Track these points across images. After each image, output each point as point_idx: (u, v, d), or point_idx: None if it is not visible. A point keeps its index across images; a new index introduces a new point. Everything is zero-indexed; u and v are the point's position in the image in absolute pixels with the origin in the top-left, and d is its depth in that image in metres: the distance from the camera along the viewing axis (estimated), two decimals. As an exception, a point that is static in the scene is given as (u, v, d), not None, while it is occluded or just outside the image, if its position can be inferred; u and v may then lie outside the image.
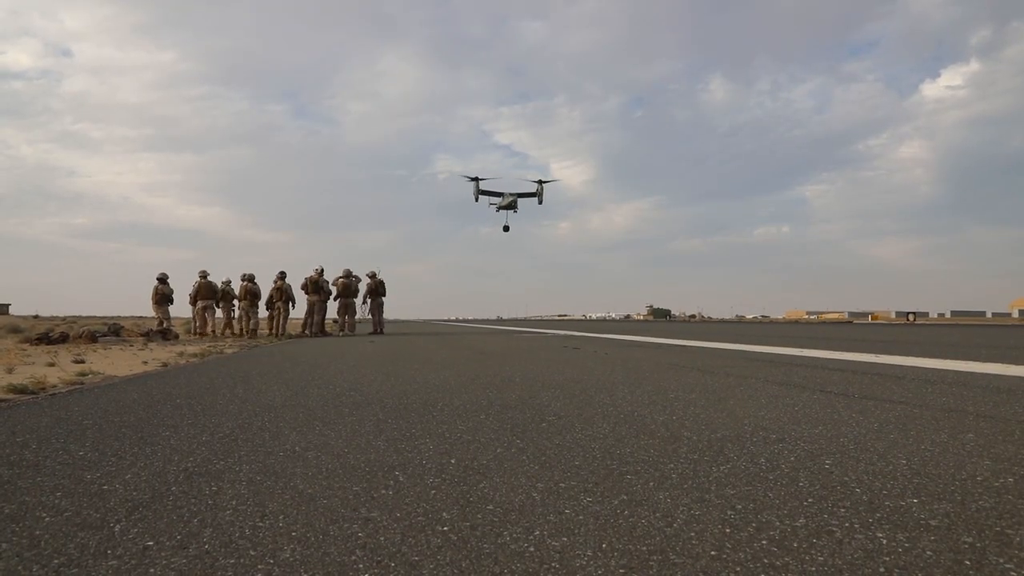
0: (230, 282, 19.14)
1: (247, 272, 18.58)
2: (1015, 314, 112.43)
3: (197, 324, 18.31)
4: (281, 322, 18.32)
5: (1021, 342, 11.96)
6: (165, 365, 7.65)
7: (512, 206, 40.65)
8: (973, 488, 1.99)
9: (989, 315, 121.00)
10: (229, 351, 10.81)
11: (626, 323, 52.77)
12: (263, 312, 18.84)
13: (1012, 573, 1.37)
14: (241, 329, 17.51)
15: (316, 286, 19.02)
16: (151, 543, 1.60)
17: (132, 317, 37.65)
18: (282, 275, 18.69)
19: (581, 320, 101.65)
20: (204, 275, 18.54)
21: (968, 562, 1.43)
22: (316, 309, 19.16)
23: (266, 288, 18.83)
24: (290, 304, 18.56)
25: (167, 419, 3.46)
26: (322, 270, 19.40)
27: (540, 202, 40.12)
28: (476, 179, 40.45)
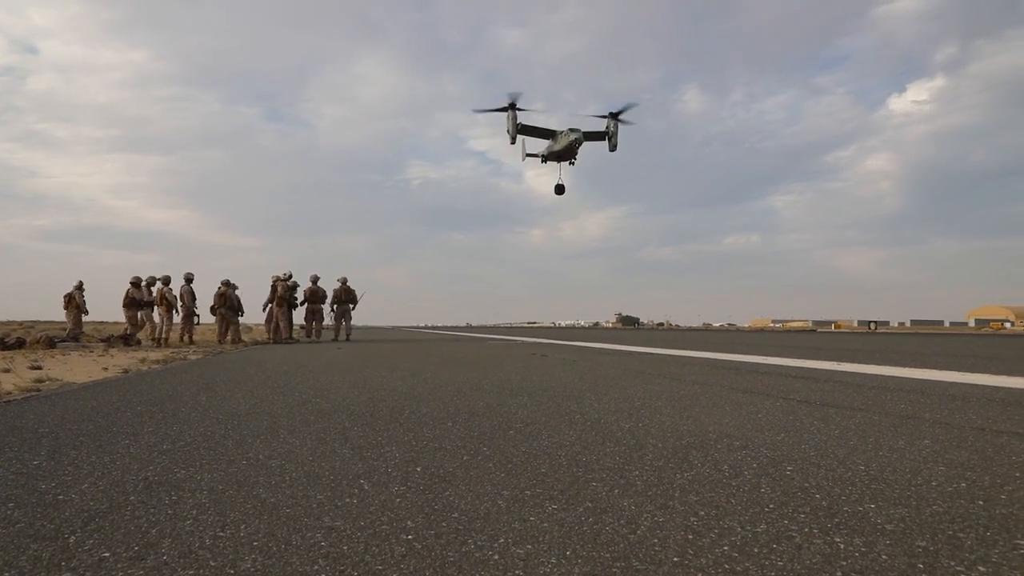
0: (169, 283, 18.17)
1: (189, 273, 17.83)
2: (971, 323, 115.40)
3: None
4: (220, 329, 17.84)
5: (976, 350, 12.27)
6: (126, 372, 7.50)
7: (570, 152, 27.83)
8: (928, 493, 2.04)
9: (947, 324, 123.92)
10: (193, 357, 10.64)
11: (595, 331, 53.06)
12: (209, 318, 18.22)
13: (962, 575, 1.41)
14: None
15: (289, 292, 18.77)
16: (107, 555, 1.57)
17: (93, 322, 36.65)
18: (226, 282, 18.23)
19: (550, 328, 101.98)
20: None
21: (921, 565, 1.46)
22: (282, 315, 18.93)
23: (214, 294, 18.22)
24: (234, 312, 17.93)
25: (126, 427, 3.39)
26: (290, 275, 19.15)
27: (613, 147, 27.62)
28: (513, 106, 26.82)
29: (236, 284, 18.59)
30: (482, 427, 3.33)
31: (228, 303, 17.80)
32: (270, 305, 18.66)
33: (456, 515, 1.85)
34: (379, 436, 3.09)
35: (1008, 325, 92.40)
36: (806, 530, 1.70)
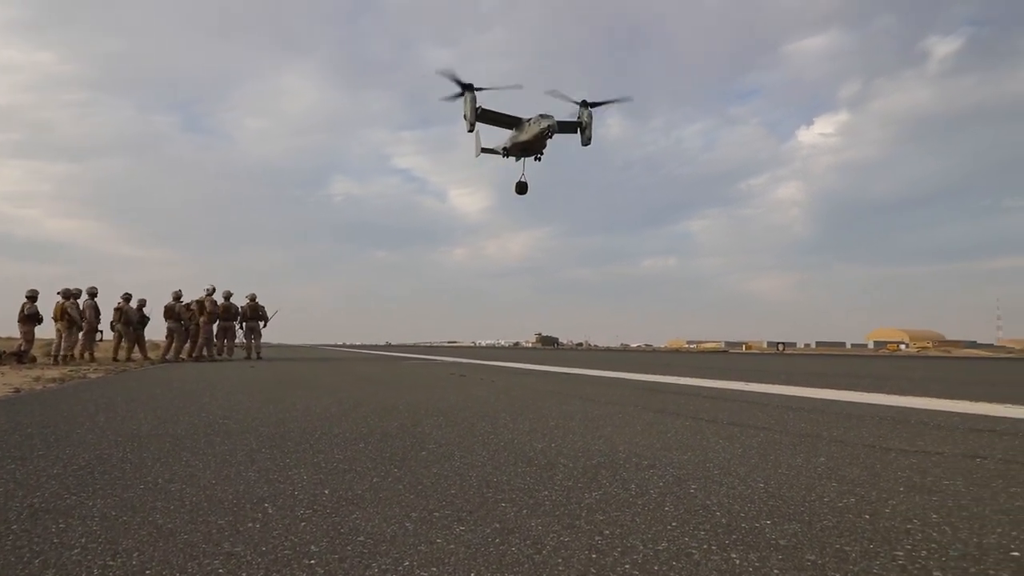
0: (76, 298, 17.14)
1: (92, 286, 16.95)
2: (871, 345, 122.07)
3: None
4: (116, 345, 17.04)
5: (873, 371, 12.96)
6: (18, 391, 7.06)
7: (539, 143, 23.85)
8: (820, 509, 2.14)
9: (848, 346, 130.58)
10: (94, 376, 10.10)
11: (514, 351, 53.30)
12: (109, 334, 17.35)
13: (846, 588, 1.48)
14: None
15: (201, 308, 18.07)
16: (-18, 588, 1.47)
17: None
18: (126, 297, 17.45)
19: (470, 347, 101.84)
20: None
21: (809, 579, 1.53)
22: (193, 332, 18.24)
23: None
24: (131, 328, 17.13)
25: (13, 451, 3.18)
26: (213, 289, 18.49)
27: (587, 141, 24.04)
28: (470, 86, 22.84)
29: (144, 298, 17.83)
30: (394, 448, 3.29)
31: (125, 318, 17.01)
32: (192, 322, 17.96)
33: (362, 538, 1.82)
34: (287, 458, 3.01)
35: (903, 347, 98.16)
36: (705, 547, 1.75)
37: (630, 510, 2.12)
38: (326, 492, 2.36)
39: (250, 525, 1.95)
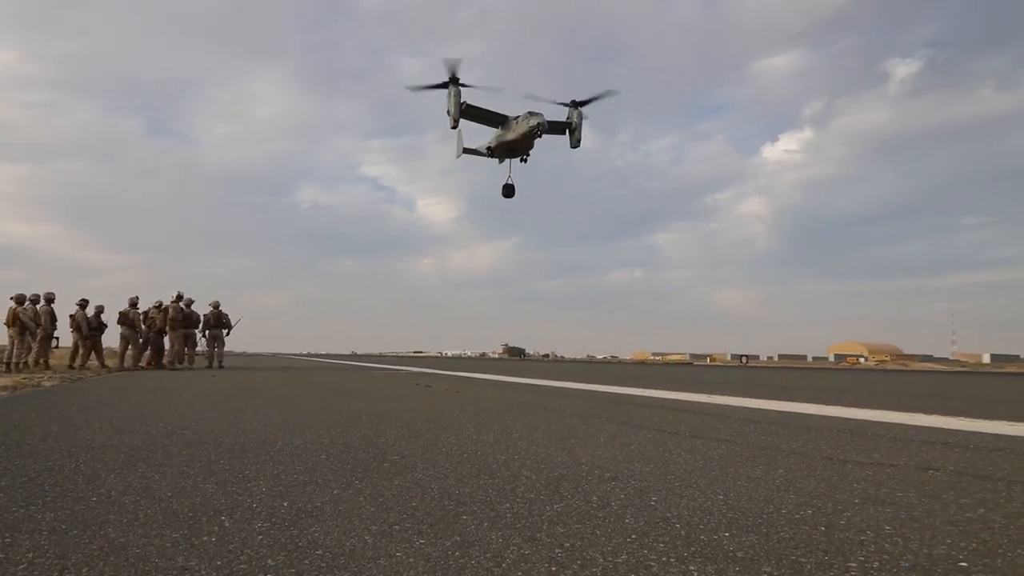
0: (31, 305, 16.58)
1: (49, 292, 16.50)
2: (831, 358, 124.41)
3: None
4: (72, 352, 16.64)
5: (833, 384, 13.20)
6: (-34, 400, 6.83)
7: (527, 143, 22.52)
8: (777, 520, 2.17)
9: (810, 358, 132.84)
10: (48, 384, 9.83)
11: (481, 361, 53.15)
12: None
13: (801, 599, 1.50)
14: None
15: (165, 315, 17.70)
16: (-80, 605, 1.42)
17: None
18: (82, 303, 17.00)
19: (437, 357, 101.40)
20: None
21: (765, 591, 1.55)
22: (154, 340, 17.87)
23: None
24: (85, 334, 16.71)
25: (-40, 462, 3.08)
26: (180, 296, 18.12)
27: (576, 142, 22.90)
28: (455, 80, 21.27)
29: (102, 305, 17.41)
30: (356, 460, 3.25)
31: (77, 324, 16.61)
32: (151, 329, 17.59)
33: (320, 552, 1.79)
34: (247, 469, 2.96)
35: (862, 360, 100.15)
36: (664, 559, 1.76)
37: (591, 522, 2.13)
38: (285, 504, 2.33)
39: (205, 538, 1.91)
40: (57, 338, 16.39)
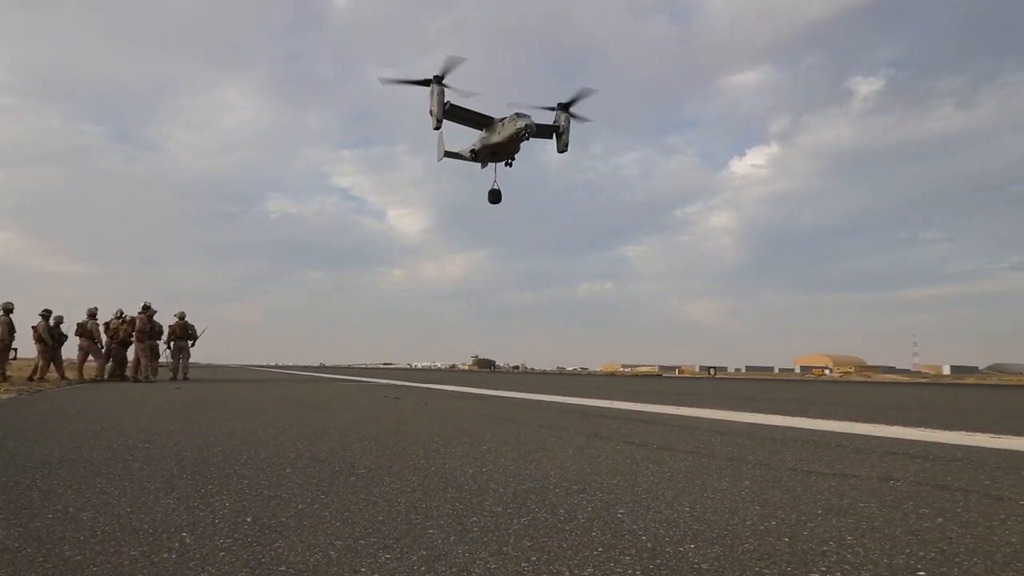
0: None
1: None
2: (798, 370, 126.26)
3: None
4: (35, 364, 16.27)
5: (799, 395, 13.39)
6: (-83, 414, 6.62)
7: (512, 146, 21.69)
8: (742, 532, 2.19)
9: (777, 370, 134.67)
10: (4, 396, 9.57)
11: (451, 373, 52.95)
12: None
13: (764, 611, 1.52)
14: None
15: (132, 325, 17.35)
16: None
17: None
18: (44, 313, 16.62)
19: (406, 369, 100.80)
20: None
21: (729, 603, 1.56)
22: (115, 351, 17.51)
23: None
24: (45, 345, 16.33)
25: (-92, 478, 2.98)
26: (147, 307, 17.76)
27: (563, 147, 22.10)
28: (439, 79, 20.31)
29: (62, 315, 17.01)
30: (322, 473, 3.21)
31: (37, 335, 16.21)
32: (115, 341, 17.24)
33: (283, 568, 1.77)
34: (210, 484, 2.91)
35: (827, 372, 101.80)
36: (630, 572, 1.77)
37: (558, 535, 2.13)
38: (248, 520, 2.29)
39: (165, 556, 1.87)
40: (15, 349, 15.96)
